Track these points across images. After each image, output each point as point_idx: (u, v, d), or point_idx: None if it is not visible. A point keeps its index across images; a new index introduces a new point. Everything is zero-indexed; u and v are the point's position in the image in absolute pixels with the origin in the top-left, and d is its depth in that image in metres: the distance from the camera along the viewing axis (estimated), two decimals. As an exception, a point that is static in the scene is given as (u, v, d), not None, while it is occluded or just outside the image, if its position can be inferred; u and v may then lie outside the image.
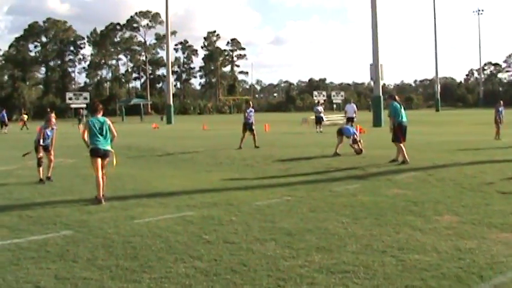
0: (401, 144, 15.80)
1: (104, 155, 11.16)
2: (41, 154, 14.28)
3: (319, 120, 36.64)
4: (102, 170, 11.13)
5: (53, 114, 16.48)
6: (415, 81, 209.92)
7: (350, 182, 12.97)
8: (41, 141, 14.27)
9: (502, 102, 27.03)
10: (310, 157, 17.93)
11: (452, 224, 8.24)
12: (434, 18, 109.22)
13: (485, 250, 6.75)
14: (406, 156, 15.63)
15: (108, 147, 11.20)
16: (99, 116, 11.37)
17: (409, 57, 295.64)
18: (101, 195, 10.79)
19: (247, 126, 22.37)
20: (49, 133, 14.56)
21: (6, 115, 49.32)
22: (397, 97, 16.91)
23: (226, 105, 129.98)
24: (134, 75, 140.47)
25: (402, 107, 16.33)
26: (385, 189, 11.67)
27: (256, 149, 20.85)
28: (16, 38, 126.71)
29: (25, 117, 54.43)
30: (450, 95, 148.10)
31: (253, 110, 23.26)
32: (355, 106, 36.54)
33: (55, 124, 15.06)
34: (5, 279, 6.14)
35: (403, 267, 6.14)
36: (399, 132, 15.90)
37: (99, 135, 11.05)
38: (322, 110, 38.17)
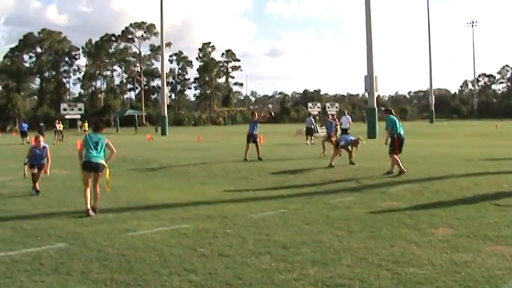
0: (396, 156, 15.85)
1: (96, 168, 11.18)
2: (35, 171, 14.14)
3: (310, 132, 36.28)
4: (96, 182, 11.20)
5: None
6: (410, 92, 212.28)
7: (345, 194, 12.96)
8: (28, 160, 14.16)
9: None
10: (304, 169, 17.91)
11: (447, 236, 8.24)
12: (429, 29, 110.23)
13: (480, 263, 6.74)
14: (402, 166, 15.70)
15: (101, 161, 11.25)
16: (100, 134, 11.58)
17: (403, 68, 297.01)
18: (88, 207, 10.82)
19: (251, 138, 22.21)
20: (38, 152, 14.21)
21: (27, 126, 48.53)
22: (393, 110, 17.16)
23: (221, 117, 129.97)
24: (129, 86, 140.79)
25: (398, 120, 16.46)
26: (379, 202, 11.67)
27: (251, 162, 20.73)
28: (11, 48, 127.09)
29: (61, 126, 49.32)
30: (444, 106, 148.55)
31: (258, 122, 22.98)
32: (349, 118, 36.57)
33: (45, 142, 14.58)
34: (-1, 292, 6.10)
35: (399, 281, 6.13)
36: (397, 144, 15.98)
37: (93, 149, 11.16)
38: (313, 121, 37.82)
